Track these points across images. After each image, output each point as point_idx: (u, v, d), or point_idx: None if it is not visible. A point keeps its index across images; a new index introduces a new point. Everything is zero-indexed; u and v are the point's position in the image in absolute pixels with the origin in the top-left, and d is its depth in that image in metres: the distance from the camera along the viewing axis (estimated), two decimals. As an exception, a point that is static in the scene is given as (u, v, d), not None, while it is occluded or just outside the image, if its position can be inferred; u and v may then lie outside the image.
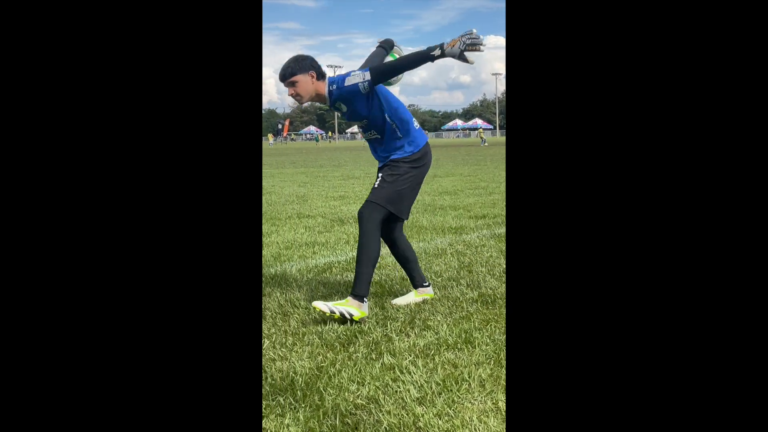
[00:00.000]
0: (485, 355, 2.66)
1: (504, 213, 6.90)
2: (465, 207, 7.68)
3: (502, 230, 5.79)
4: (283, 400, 2.29)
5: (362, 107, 3.30)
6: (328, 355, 2.72)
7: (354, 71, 3.26)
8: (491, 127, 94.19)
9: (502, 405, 2.19)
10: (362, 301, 3.19)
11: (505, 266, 4.32)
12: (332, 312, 3.10)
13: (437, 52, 3.04)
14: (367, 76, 3.17)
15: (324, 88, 3.30)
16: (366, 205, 3.35)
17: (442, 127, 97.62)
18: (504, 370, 2.48)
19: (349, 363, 2.61)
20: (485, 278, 4.00)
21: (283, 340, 2.92)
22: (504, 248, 4.94)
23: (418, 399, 2.27)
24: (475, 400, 2.25)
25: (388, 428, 2.07)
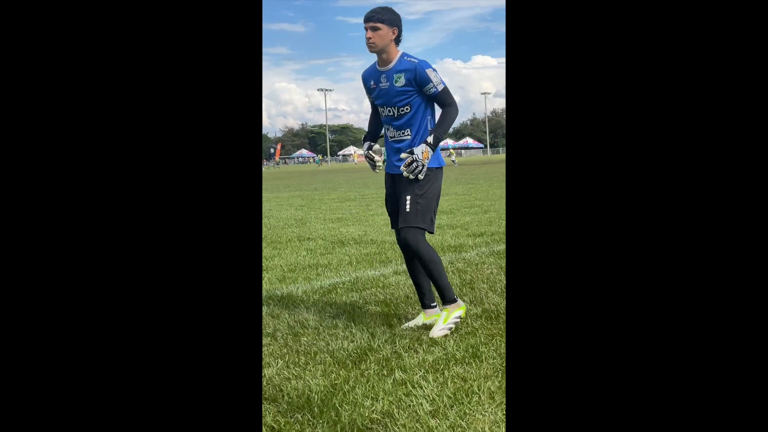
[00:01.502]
0: (493, 368, 2.76)
1: (501, 231, 7.02)
2: (462, 225, 7.79)
3: (501, 247, 5.90)
4: (301, 416, 2.37)
5: (411, 99, 3.35)
6: (341, 372, 2.80)
7: (432, 69, 3.32)
8: (482, 145, 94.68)
9: (513, 415, 2.28)
10: (455, 301, 3.39)
11: (504, 283, 4.42)
12: (450, 329, 3.32)
13: (431, 139, 3.31)
14: (440, 86, 3.30)
15: (396, 52, 3.37)
16: (407, 231, 3.37)
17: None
18: (512, 382, 2.58)
19: (362, 380, 2.70)
20: (487, 294, 4.10)
21: (296, 359, 3.01)
22: (504, 265, 5.05)
23: (431, 412, 2.35)
24: (486, 411, 2.34)
25: (404, 440, 2.16)
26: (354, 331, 3.41)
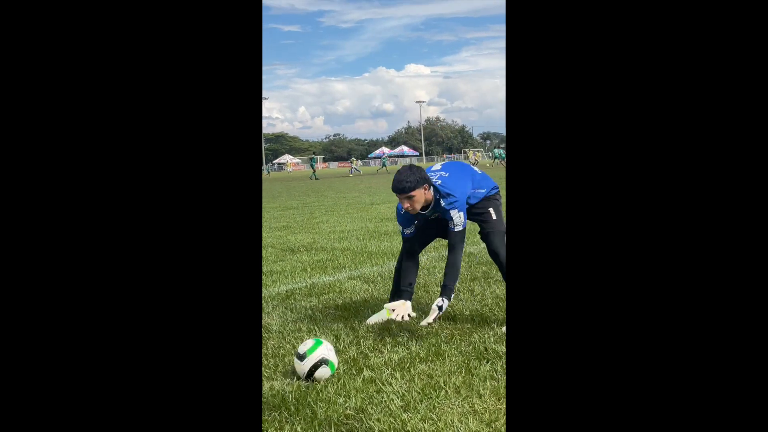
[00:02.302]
0: (456, 365, 2.91)
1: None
2: (408, 232, 7.96)
3: (449, 252, 6.09)
4: (278, 414, 2.46)
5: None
6: (312, 373, 2.91)
7: (457, 208, 3.50)
8: (417, 153, 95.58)
9: (479, 407, 2.43)
10: None
11: (457, 286, 4.59)
12: None
13: (443, 299, 3.53)
14: (458, 228, 3.52)
15: (430, 197, 3.51)
16: (497, 239, 3.63)
17: (368, 155, 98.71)
18: (474, 378, 2.74)
19: (332, 379, 2.81)
20: (442, 297, 4.27)
21: (266, 362, 3.09)
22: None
23: (402, 407, 2.49)
24: (453, 404, 2.49)
25: (380, 433, 2.28)
26: (318, 334, 3.51)
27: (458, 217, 3.48)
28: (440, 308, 3.47)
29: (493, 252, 3.65)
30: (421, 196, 3.42)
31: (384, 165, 46.52)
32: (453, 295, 3.57)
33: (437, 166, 3.73)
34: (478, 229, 3.73)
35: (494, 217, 3.66)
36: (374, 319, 3.71)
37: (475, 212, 3.68)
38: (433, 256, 5.87)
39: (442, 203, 3.49)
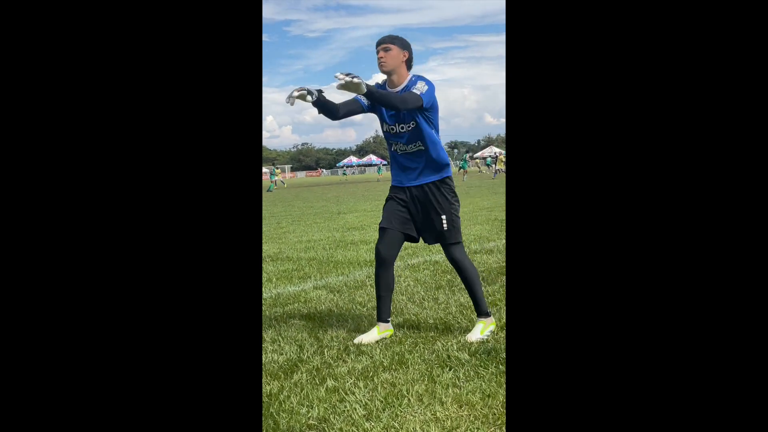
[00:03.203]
0: (419, 373, 2.93)
1: (413, 246, 7.25)
2: (374, 241, 7.98)
3: (415, 261, 6.12)
4: (240, 426, 2.45)
5: (414, 113, 3.48)
6: (274, 383, 2.90)
7: (425, 82, 3.45)
8: (386, 162, 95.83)
9: (440, 414, 2.45)
10: (489, 315, 3.60)
11: (422, 294, 4.62)
12: (486, 339, 3.42)
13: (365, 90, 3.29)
14: (416, 92, 3.39)
15: (406, 76, 3.52)
16: (455, 248, 3.60)
17: (337, 165, 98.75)
18: (437, 386, 2.76)
19: (295, 389, 2.81)
20: (407, 305, 4.29)
21: (228, 373, 3.07)
22: (419, 277, 5.26)
23: (365, 416, 2.49)
24: (416, 412, 2.50)
25: (342, 443, 2.28)
26: (282, 344, 3.50)
27: (422, 85, 3.43)
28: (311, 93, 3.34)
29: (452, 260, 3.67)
30: (398, 56, 3.48)
31: (379, 172, 45.73)
32: (371, 89, 3.26)
33: None
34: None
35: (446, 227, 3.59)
36: (366, 338, 3.54)
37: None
38: (398, 265, 5.89)
39: (414, 78, 3.49)
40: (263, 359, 3.25)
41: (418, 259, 6.22)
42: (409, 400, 2.62)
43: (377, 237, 3.73)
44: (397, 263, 5.98)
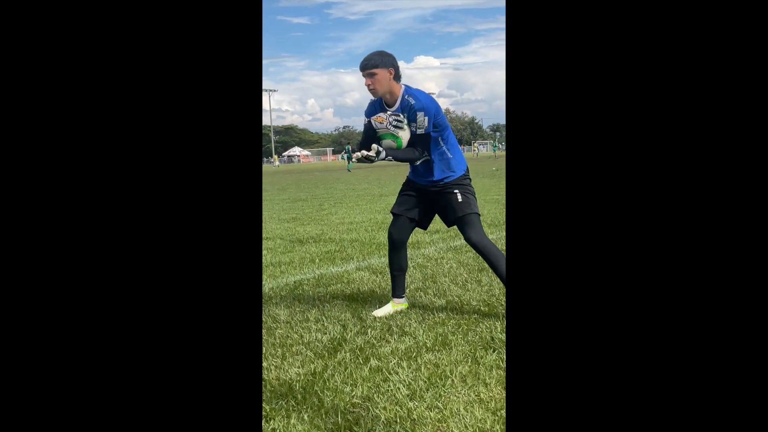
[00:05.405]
0: (462, 354, 2.92)
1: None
2: (416, 223, 7.98)
3: (457, 243, 6.10)
4: (285, 403, 2.48)
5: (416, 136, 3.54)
6: (319, 362, 2.92)
7: (425, 110, 3.48)
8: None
9: (484, 396, 2.44)
10: None
11: (465, 276, 4.60)
12: None
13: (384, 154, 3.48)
14: (420, 131, 3.48)
15: (398, 90, 3.52)
16: (469, 227, 3.61)
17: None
18: (481, 367, 2.74)
19: (339, 368, 2.83)
20: (450, 287, 4.28)
21: (273, 351, 3.11)
22: (462, 259, 5.24)
23: (408, 395, 2.50)
24: (460, 393, 2.50)
25: (386, 422, 2.29)
26: (326, 324, 3.53)
27: (423, 120, 3.46)
28: (378, 153, 3.45)
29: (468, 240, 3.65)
30: (385, 78, 3.46)
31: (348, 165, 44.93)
32: (390, 156, 3.50)
33: None
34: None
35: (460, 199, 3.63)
36: (381, 312, 3.73)
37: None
38: (441, 247, 5.88)
39: (411, 101, 3.48)
40: (308, 338, 3.28)
41: (461, 242, 6.19)
42: (452, 381, 2.62)
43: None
44: (440, 245, 5.97)
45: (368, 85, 3.47)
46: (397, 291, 3.82)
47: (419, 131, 3.47)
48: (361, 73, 3.47)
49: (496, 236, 6.36)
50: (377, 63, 3.43)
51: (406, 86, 3.55)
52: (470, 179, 3.73)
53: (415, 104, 3.47)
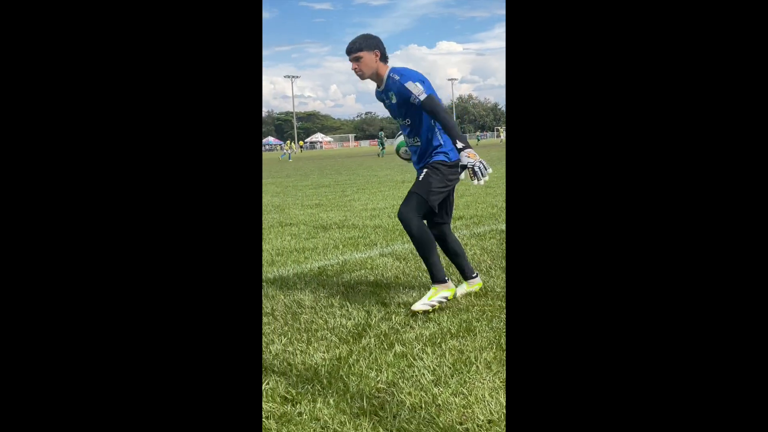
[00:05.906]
0: (487, 340, 2.92)
1: (479, 214, 7.20)
2: (440, 210, 7.97)
3: (481, 229, 6.08)
4: (311, 387, 2.51)
5: (408, 111, 3.53)
6: (344, 347, 2.95)
7: (414, 80, 3.42)
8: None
9: (510, 382, 2.45)
10: (445, 281, 3.50)
11: (489, 262, 4.59)
12: (432, 306, 3.43)
13: (460, 145, 3.34)
14: (423, 96, 3.39)
15: (385, 71, 3.53)
16: (407, 200, 3.53)
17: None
18: (505, 354, 2.74)
19: (364, 353, 2.85)
20: (473, 274, 4.27)
21: (299, 336, 3.14)
22: (485, 246, 5.23)
23: (433, 381, 2.51)
24: (484, 379, 2.50)
25: (411, 407, 2.31)
26: (350, 309, 3.55)
27: (415, 87, 3.41)
28: (467, 156, 3.31)
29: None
30: (371, 60, 3.49)
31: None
32: (465, 140, 3.37)
33: None
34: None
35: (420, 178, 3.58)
36: (461, 291, 3.74)
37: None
38: (464, 233, 5.86)
39: (396, 77, 3.47)
40: (333, 323, 3.31)
41: (484, 228, 6.17)
42: (477, 367, 2.62)
43: None
44: (463, 231, 5.95)
45: (354, 69, 3.50)
46: (465, 274, 3.80)
47: (421, 98, 3.39)
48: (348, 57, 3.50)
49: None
50: (362, 46, 3.46)
51: (393, 67, 3.55)
52: (453, 168, 3.60)
53: (401, 78, 3.45)
